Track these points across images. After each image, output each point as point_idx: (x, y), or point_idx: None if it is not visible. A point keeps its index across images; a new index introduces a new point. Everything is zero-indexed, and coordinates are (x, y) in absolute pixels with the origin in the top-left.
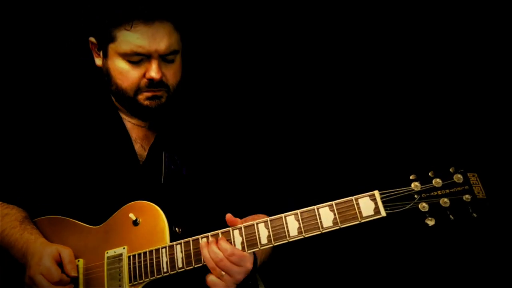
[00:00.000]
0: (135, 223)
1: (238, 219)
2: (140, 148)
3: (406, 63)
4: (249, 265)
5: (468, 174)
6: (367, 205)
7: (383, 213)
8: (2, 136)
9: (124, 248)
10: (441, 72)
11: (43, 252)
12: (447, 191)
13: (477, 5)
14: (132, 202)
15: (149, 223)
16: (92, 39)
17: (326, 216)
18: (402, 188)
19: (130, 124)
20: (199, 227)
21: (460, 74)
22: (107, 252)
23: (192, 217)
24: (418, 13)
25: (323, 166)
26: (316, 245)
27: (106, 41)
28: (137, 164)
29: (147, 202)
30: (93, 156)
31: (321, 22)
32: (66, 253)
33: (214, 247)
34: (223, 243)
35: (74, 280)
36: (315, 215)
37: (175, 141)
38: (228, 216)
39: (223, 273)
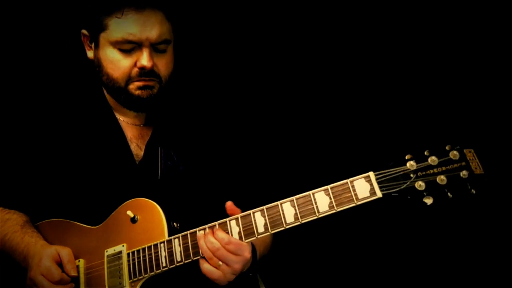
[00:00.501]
0: (133, 220)
1: (238, 209)
2: (136, 147)
3: (398, 47)
4: (247, 254)
5: (465, 150)
6: (363, 187)
7: (379, 194)
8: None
9: (123, 245)
10: (431, 53)
11: (43, 253)
12: (444, 168)
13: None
14: (130, 200)
15: (147, 220)
16: (84, 31)
17: (322, 200)
18: (397, 168)
19: (125, 123)
20: (197, 221)
21: (450, 53)
22: (106, 251)
23: (190, 212)
24: (412, 10)
25: (317, 151)
26: (316, 244)
27: (97, 30)
28: (133, 164)
29: (144, 199)
30: (89, 157)
31: (311, 12)
32: (65, 253)
33: (210, 237)
34: (220, 233)
35: (75, 280)
36: (311, 200)
37: (171, 137)
38: (229, 204)
39: (221, 262)
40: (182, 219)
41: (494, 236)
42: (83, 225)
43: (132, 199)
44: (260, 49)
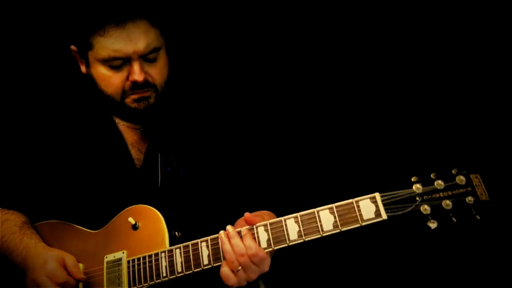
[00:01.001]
0: (135, 227)
1: (257, 218)
2: (138, 152)
3: (406, 64)
4: (266, 267)
5: (471, 175)
6: (368, 208)
7: (384, 216)
8: (2, 143)
9: (123, 252)
10: (441, 72)
11: (47, 255)
12: (449, 193)
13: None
14: (132, 206)
15: (148, 227)
16: (73, 47)
17: (326, 219)
18: (403, 190)
19: (125, 128)
20: (198, 230)
21: (461, 73)
22: (106, 257)
23: (191, 220)
24: (420, 16)
25: (322, 167)
26: (316, 247)
27: (85, 49)
28: (134, 168)
29: (147, 206)
30: (90, 162)
31: (311, 13)
32: (70, 258)
33: (238, 241)
34: (250, 240)
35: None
36: (315, 217)
37: (170, 142)
38: (247, 215)
39: (240, 268)
40: (183, 227)
41: (496, 261)
42: (83, 228)
43: (134, 206)
44: (260, 51)
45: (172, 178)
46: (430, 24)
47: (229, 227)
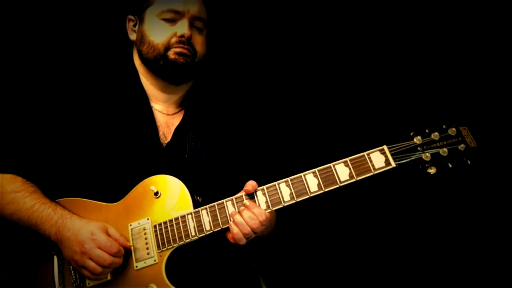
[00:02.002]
0: (156, 195)
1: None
2: (162, 135)
3: (400, 34)
4: (273, 221)
5: (460, 127)
6: (378, 159)
7: (393, 164)
8: (31, 115)
9: (148, 219)
10: (422, 38)
11: (90, 226)
12: (445, 142)
13: None
14: (151, 177)
15: (170, 194)
16: (130, 16)
17: (342, 171)
18: (407, 142)
19: (157, 112)
20: (218, 196)
21: (440, 38)
22: (130, 225)
23: (212, 187)
24: None
25: (329, 134)
26: (316, 244)
27: (144, 7)
28: (160, 146)
29: (165, 175)
30: (118, 139)
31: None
32: (112, 229)
33: (250, 213)
34: (258, 209)
35: None
36: (332, 171)
37: (198, 126)
38: (254, 184)
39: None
40: (204, 193)
41: (488, 210)
42: (101, 202)
43: (153, 176)
44: (279, 44)
45: (196, 154)
46: (421, 11)
47: (233, 198)
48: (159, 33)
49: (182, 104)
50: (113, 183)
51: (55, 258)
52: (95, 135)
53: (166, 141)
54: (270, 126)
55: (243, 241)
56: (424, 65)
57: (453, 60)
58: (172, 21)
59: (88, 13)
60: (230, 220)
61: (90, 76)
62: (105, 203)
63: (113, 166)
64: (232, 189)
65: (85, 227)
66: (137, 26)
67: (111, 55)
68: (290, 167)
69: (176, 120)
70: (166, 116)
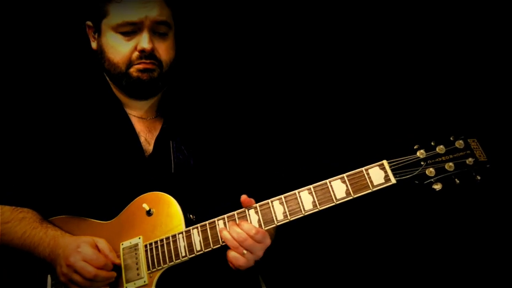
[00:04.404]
0: (149, 213)
1: (253, 200)
2: (145, 141)
3: (401, 43)
4: (268, 241)
5: (468, 140)
6: (377, 174)
7: (393, 180)
8: (8, 138)
9: (139, 238)
10: (430, 47)
11: (79, 241)
12: (451, 156)
13: None
14: (144, 194)
15: (162, 213)
16: (88, 22)
17: (338, 188)
18: (408, 156)
19: (134, 117)
20: (211, 213)
21: (448, 46)
22: (122, 244)
23: (204, 204)
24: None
25: (325, 143)
26: (317, 244)
27: (99, 18)
28: (143, 157)
29: (159, 192)
30: (99, 152)
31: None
32: (103, 242)
33: (236, 228)
34: (246, 224)
35: None
36: (328, 187)
37: (181, 131)
38: (244, 197)
39: (245, 251)
40: (196, 211)
41: (496, 226)
42: (94, 220)
43: (147, 193)
44: (268, 39)
45: (184, 165)
46: (426, 14)
47: (224, 216)
48: (118, 50)
49: (159, 110)
50: (102, 199)
51: (49, 277)
52: (74, 151)
53: (150, 147)
54: (261, 131)
55: (240, 260)
56: (430, 71)
57: (463, 66)
58: (130, 34)
59: (47, 17)
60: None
61: (59, 90)
62: (99, 221)
63: (98, 182)
64: (226, 200)
65: (73, 242)
66: (96, 35)
67: (78, 65)
68: (284, 173)
69: (158, 124)
70: (147, 121)
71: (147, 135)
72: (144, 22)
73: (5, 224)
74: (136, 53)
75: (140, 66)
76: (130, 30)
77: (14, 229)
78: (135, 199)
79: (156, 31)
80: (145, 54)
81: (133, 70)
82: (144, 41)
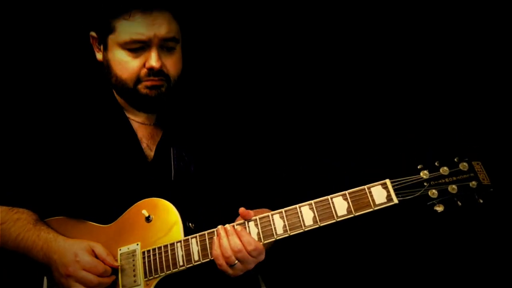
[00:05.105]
0: (148, 219)
1: (251, 212)
2: (146, 147)
3: (407, 59)
4: (263, 257)
5: (473, 162)
6: (380, 193)
7: (395, 200)
8: (9, 139)
9: (137, 244)
10: (437, 64)
11: (74, 248)
12: (454, 178)
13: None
14: (144, 200)
15: (162, 220)
16: (92, 33)
17: (340, 205)
18: (412, 176)
19: (136, 123)
20: (211, 222)
21: (456, 64)
22: (120, 249)
23: (204, 213)
24: (419, 12)
25: (327, 152)
26: (317, 244)
27: (106, 33)
28: (146, 163)
29: (159, 199)
30: (100, 156)
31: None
32: (100, 247)
33: (235, 238)
34: (247, 236)
35: None
36: (329, 204)
37: (182, 138)
38: (242, 210)
39: (236, 262)
40: (196, 220)
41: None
42: (93, 223)
43: (147, 199)
44: (271, 49)
45: (184, 172)
46: (429, 18)
47: (227, 226)
48: (125, 67)
49: (160, 117)
50: (102, 202)
51: (45, 279)
52: (75, 154)
53: (151, 153)
54: (261, 136)
55: (228, 271)
56: (435, 93)
57: (471, 85)
58: (138, 50)
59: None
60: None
61: (62, 94)
62: (98, 224)
63: (98, 185)
64: (226, 209)
65: (69, 249)
66: (101, 47)
67: (82, 71)
68: (284, 173)
69: (159, 130)
70: (149, 127)
71: (149, 141)
72: (152, 40)
73: (1, 225)
74: (144, 70)
75: (148, 83)
76: (138, 47)
77: (9, 231)
78: (135, 205)
79: (164, 46)
80: (153, 72)
81: (141, 87)
82: (153, 59)
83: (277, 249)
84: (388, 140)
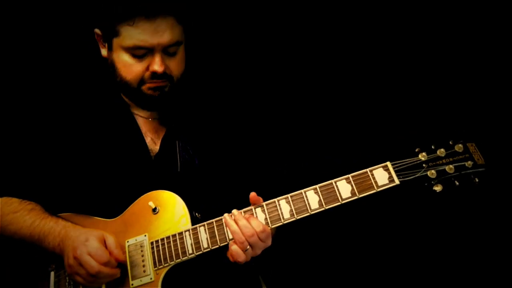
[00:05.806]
0: (154, 211)
1: (261, 198)
2: (151, 142)
3: (401, 51)
4: (269, 242)
5: (467, 143)
6: (381, 175)
7: (397, 181)
8: (17, 135)
9: (145, 235)
10: (429, 54)
11: (89, 233)
12: (451, 159)
13: None
14: (149, 192)
15: (168, 211)
16: (97, 30)
17: (344, 188)
18: (411, 158)
19: (141, 118)
20: (216, 212)
21: (447, 53)
22: (127, 241)
23: (209, 203)
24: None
25: (328, 144)
26: (317, 244)
27: (110, 35)
28: (149, 157)
29: (165, 191)
30: (105, 151)
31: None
32: (112, 239)
33: (245, 222)
34: (255, 220)
35: None
36: (333, 187)
37: (186, 132)
38: (252, 195)
39: (249, 247)
40: (202, 209)
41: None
42: (99, 218)
43: (153, 191)
44: (273, 44)
45: (189, 165)
46: (425, 16)
47: (234, 211)
48: (130, 69)
49: (163, 113)
50: (107, 197)
51: (52, 274)
52: (80, 150)
53: (156, 147)
54: (264, 129)
55: (241, 256)
56: (432, 75)
57: (461, 73)
58: (142, 56)
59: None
60: (228, 234)
61: (68, 91)
62: (103, 219)
63: (104, 180)
64: (231, 199)
65: (83, 234)
66: (106, 45)
67: (86, 66)
68: (287, 169)
69: (164, 125)
70: (153, 122)
71: (153, 135)
72: (155, 48)
73: (14, 214)
74: (148, 73)
75: (152, 85)
76: (141, 54)
77: (23, 218)
78: (140, 197)
79: (168, 50)
80: (156, 75)
81: (145, 88)
82: (156, 64)
83: (277, 249)
84: (384, 121)
